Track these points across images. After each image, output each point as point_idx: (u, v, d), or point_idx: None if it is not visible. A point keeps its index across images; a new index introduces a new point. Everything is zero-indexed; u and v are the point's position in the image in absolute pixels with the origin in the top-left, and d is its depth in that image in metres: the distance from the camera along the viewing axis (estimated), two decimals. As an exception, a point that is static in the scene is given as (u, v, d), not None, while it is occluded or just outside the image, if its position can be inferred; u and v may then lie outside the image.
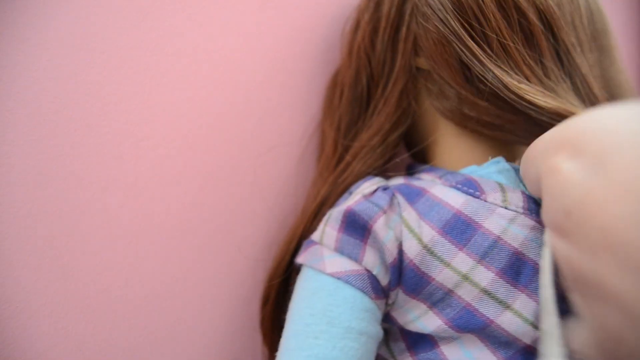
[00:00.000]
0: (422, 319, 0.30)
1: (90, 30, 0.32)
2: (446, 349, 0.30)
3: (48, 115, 0.31)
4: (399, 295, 0.31)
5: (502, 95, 0.30)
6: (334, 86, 0.41)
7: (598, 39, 0.33)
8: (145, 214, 0.35)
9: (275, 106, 0.41)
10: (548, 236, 0.26)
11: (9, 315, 0.30)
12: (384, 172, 0.37)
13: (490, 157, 0.33)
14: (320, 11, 0.42)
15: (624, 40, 0.81)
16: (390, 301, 0.32)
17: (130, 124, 0.34)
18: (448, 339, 0.30)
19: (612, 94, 0.33)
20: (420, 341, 0.31)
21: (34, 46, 0.30)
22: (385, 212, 0.31)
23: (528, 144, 0.28)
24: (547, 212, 0.25)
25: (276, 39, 0.41)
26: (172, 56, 0.35)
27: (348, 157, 0.37)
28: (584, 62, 0.31)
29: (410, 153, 0.39)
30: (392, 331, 0.33)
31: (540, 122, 0.30)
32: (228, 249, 0.40)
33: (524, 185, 0.31)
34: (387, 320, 0.33)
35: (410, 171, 0.38)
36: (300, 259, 0.33)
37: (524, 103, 0.29)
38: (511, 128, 0.32)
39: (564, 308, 0.29)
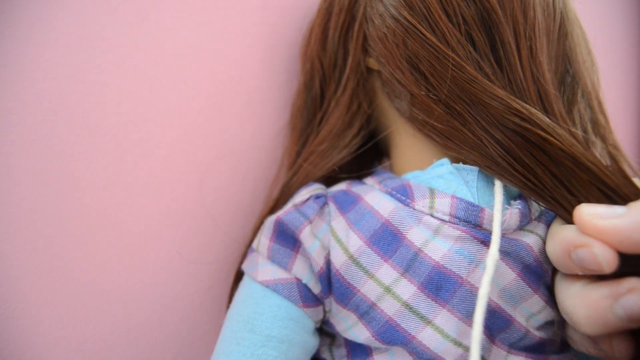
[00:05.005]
0: (354, 329, 0.30)
1: (90, 30, 0.32)
2: (378, 359, 0.30)
3: (48, 115, 0.31)
4: (333, 304, 0.31)
5: (456, 91, 0.28)
6: (297, 92, 0.40)
7: (553, 30, 0.30)
8: (145, 214, 0.35)
9: (276, 107, 0.41)
10: (491, 261, 0.25)
11: (9, 315, 0.30)
12: (335, 176, 0.36)
13: (434, 160, 0.31)
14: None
15: (624, 41, 0.81)
16: (327, 308, 0.32)
17: (130, 124, 0.34)
18: (380, 349, 0.30)
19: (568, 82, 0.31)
20: (358, 349, 0.31)
21: (34, 46, 0.30)
22: (311, 222, 0.31)
23: (476, 162, 0.28)
24: None
25: (276, 40, 0.41)
26: (172, 56, 0.35)
27: (299, 162, 0.37)
28: (526, 65, 0.29)
29: (357, 152, 0.38)
30: (337, 337, 0.33)
31: (490, 132, 0.28)
32: (231, 249, 0.40)
33: (470, 187, 0.29)
34: (329, 327, 0.33)
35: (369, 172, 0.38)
36: (242, 266, 0.34)
37: (478, 91, 0.28)
38: (461, 138, 0.29)
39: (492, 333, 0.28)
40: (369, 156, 0.39)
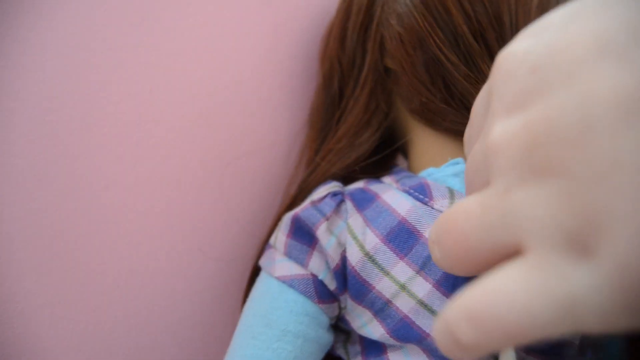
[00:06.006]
0: (369, 326, 0.31)
1: (90, 30, 0.32)
2: (392, 356, 0.30)
3: (48, 115, 0.31)
4: (348, 301, 0.31)
5: (467, 101, 0.29)
6: (316, 91, 0.41)
7: None
8: (145, 214, 0.35)
9: (275, 106, 0.41)
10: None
11: (9, 314, 0.30)
12: (353, 174, 0.37)
13: (449, 158, 0.32)
14: (323, 12, 0.42)
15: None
16: (342, 305, 0.32)
17: (130, 124, 0.34)
18: (395, 346, 0.30)
19: None
20: (372, 346, 0.32)
21: (34, 46, 0.30)
22: (327, 219, 0.31)
23: None
24: None
25: (276, 40, 0.41)
26: (172, 56, 0.35)
27: (317, 160, 0.37)
28: None
29: (380, 155, 0.38)
30: (352, 334, 0.34)
31: None
32: (230, 249, 0.40)
33: None
34: (345, 323, 0.33)
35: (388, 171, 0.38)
36: (260, 262, 0.35)
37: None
38: None
39: None
40: (387, 157, 0.39)
